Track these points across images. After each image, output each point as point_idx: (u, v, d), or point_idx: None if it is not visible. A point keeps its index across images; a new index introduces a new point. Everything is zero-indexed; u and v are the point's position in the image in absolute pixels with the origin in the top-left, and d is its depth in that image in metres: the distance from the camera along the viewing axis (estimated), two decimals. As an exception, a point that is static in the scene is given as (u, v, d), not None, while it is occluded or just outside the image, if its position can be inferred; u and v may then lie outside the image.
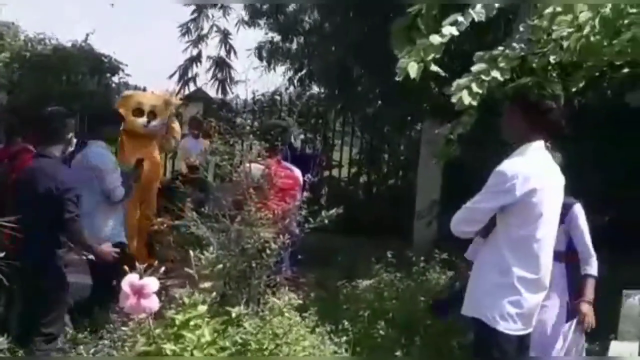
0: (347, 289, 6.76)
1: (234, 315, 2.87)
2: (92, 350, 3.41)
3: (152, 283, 2.64)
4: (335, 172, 12.64)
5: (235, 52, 13.24)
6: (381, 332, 5.55)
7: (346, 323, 5.19)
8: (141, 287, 2.62)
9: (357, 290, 6.71)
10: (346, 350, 4.42)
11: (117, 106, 8.78)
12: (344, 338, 4.65)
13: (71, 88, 11.81)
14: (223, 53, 13.29)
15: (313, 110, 12.94)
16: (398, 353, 5.33)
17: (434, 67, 3.99)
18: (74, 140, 5.27)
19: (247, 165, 4.52)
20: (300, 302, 4.02)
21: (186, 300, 2.80)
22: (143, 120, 8.45)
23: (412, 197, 10.58)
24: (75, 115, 6.99)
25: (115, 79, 13.19)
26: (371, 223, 10.35)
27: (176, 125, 9.07)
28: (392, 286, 6.60)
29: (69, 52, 12.53)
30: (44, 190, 4.82)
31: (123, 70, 13.13)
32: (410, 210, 10.39)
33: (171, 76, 12.51)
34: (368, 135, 12.51)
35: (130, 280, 2.65)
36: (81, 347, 4.43)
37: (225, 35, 12.15)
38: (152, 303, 2.64)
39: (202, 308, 2.80)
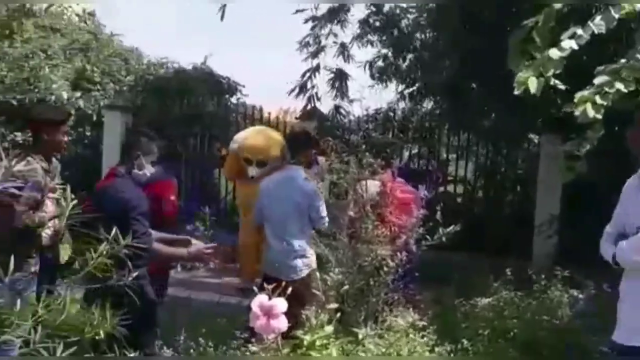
0: (465, 307, 6.66)
1: (360, 336, 2.88)
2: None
3: (280, 304, 2.69)
4: (450, 187, 12.51)
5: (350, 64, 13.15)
6: (502, 351, 5.44)
7: (465, 342, 5.12)
8: (270, 308, 2.67)
9: (476, 308, 6.60)
10: (466, 370, 4.37)
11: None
12: (464, 358, 4.60)
13: (191, 110, 12.19)
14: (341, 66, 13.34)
15: (427, 125, 12.86)
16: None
17: (554, 82, 3.91)
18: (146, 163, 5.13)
19: (364, 182, 4.53)
20: (424, 323, 3.99)
21: (313, 321, 2.84)
22: (252, 171, 8.31)
23: (531, 212, 10.34)
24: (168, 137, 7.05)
25: (234, 99, 13.54)
26: (488, 239, 10.16)
27: None
28: (512, 304, 6.46)
29: (189, 74, 12.97)
30: (110, 209, 4.53)
31: (241, 91, 13.49)
32: (528, 225, 10.16)
33: (291, 93, 12.65)
34: (484, 149, 12.32)
35: (260, 300, 2.71)
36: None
37: (343, 49, 12.17)
38: (281, 323, 2.69)
39: (329, 329, 2.83)
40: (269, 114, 13.75)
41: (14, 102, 10.65)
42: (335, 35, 12.13)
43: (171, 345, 4.64)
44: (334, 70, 12.25)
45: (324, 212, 5.89)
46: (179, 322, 5.33)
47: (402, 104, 13.00)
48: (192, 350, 3.74)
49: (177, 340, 4.60)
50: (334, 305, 2.95)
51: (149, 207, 4.78)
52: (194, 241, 5.06)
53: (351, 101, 12.12)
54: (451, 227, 4.40)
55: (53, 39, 13.14)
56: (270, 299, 2.96)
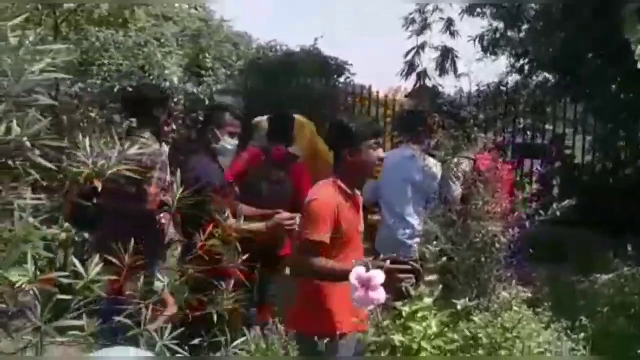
0: (583, 284, 6.47)
1: (459, 307, 2.85)
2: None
3: (379, 275, 2.70)
4: (567, 162, 12.13)
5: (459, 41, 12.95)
6: (622, 329, 5.25)
7: (584, 319, 4.96)
8: (369, 280, 2.69)
9: (595, 285, 6.40)
10: (584, 348, 4.22)
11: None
12: (582, 335, 4.44)
13: (301, 91, 12.29)
14: (447, 43, 13.16)
15: (540, 99, 12.48)
16: (641, 352, 5.00)
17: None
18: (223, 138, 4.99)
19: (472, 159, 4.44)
20: (530, 295, 3.89)
21: (412, 292, 2.83)
22: None
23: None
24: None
25: (342, 79, 13.57)
26: (607, 214, 9.78)
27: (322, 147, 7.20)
28: (633, 281, 6.23)
29: (298, 56, 13.08)
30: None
31: (349, 71, 13.50)
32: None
33: (402, 74, 12.57)
34: (601, 123, 11.85)
35: (358, 273, 2.73)
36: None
37: (450, 24, 11.99)
38: (380, 295, 2.70)
39: (428, 300, 2.82)
40: (377, 93, 13.72)
41: (130, 89, 11.02)
42: (442, 10, 11.95)
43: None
44: (440, 47, 12.09)
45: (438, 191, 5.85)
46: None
47: (513, 77, 12.68)
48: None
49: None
50: (433, 277, 2.92)
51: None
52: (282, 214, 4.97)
53: (459, 76, 11.92)
54: (566, 202, 4.24)
55: (166, 27, 13.52)
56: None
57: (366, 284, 2.70)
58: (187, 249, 4.54)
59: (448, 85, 12.40)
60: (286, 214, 4.94)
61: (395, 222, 5.90)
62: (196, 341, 2.93)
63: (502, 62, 12.57)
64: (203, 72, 12.88)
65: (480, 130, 5.03)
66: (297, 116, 7.18)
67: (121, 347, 2.28)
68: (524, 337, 3.83)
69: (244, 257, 2.85)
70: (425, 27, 12.00)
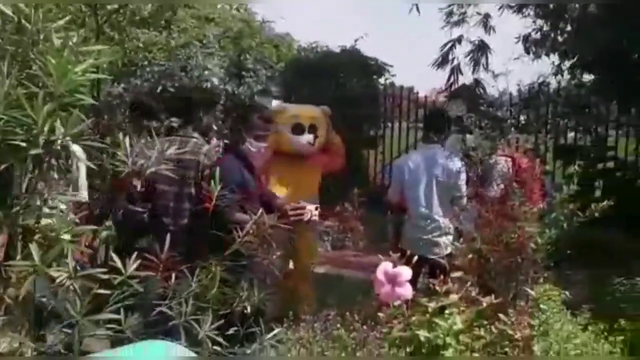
0: (625, 286, 6.39)
1: (484, 304, 2.86)
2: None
3: (405, 271, 2.74)
4: (611, 164, 11.93)
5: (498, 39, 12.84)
6: (663, 331, 5.17)
7: (622, 322, 4.91)
8: (395, 276, 2.73)
9: (637, 287, 6.32)
10: (622, 350, 4.18)
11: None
12: (620, 337, 4.40)
13: (341, 92, 12.32)
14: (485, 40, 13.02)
15: (584, 100, 12.31)
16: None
17: None
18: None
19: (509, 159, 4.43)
20: (557, 293, 3.87)
21: (438, 288, 2.86)
22: (308, 137, 6.86)
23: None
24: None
25: (382, 80, 13.57)
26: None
27: (337, 139, 7.33)
28: (674, 283, 6.14)
29: (338, 57, 13.12)
30: None
31: (389, 72, 13.50)
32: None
33: (434, 65, 12.47)
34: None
35: (384, 268, 2.77)
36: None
37: (486, 20, 11.88)
38: (406, 291, 2.74)
39: (454, 297, 2.84)
40: (417, 93, 13.69)
41: (172, 89, 11.15)
42: (476, 5, 11.81)
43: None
44: (477, 41, 11.98)
45: (465, 190, 5.89)
46: (332, 298, 5.45)
47: (555, 78, 12.51)
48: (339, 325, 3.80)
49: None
50: (457, 274, 2.93)
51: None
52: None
53: (497, 76, 11.81)
54: (604, 203, 4.21)
55: (208, 28, 13.66)
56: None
57: (392, 280, 2.74)
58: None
59: (489, 85, 12.19)
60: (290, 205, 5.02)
61: (422, 221, 5.94)
62: (231, 331, 2.99)
63: (545, 62, 12.41)
64: (244, 73, 12.99)
65: (519, 131, 4.99)
66: (315, 108, 7.27)
67: (156, 341, 2.34)
68: (560, 338, 3.82)
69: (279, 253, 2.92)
70: (462, 20, 11.86)
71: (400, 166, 6.36)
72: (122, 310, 2.36)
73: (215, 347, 2.78)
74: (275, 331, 2.98)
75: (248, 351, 3.01)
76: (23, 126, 2.33)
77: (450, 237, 5.74)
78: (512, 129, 4.82)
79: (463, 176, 5.98)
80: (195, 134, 5.23)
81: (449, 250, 5.68)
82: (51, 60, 2.41)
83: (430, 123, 6.62)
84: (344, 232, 9.84)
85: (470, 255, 3.37)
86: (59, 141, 2.31)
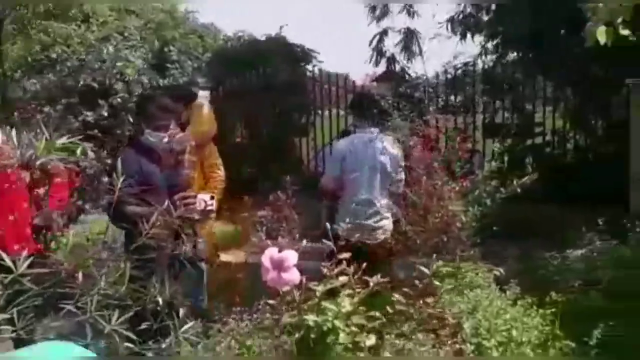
0: (556, 259, 6.44)
1: (371, 284, 2.78)
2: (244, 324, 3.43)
3: (291, 256, 2.66)
4: (539, 139, 12.04)
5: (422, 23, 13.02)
6: (593, 301, 5.21)
7: (554, 294, 4.90)
8: (280, 261, 2.64)
9: (567, 260, 6.37)
10: (552, 323, 4.16)
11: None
12: (551, 310, 4.38)
13: (267, 80, 12.17)
14: (410, 26, 13.16)
15: (508, 78, 12.42)
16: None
17: (624, 31, 3.65)
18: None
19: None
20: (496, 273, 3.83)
21: (327, 271, 2.78)
22: None
23: (625, 160, 9.82)
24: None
25: (310, 67, 13.44)
26: (581, 191, 9.73)
27: None
28: (605, 255, 6.21)
29: (264, 45, 12.93)
30: None
31: (316, 58, 13.36)
32: (622, 175, 9.65)
33: (370, 61, 12.56)
34: (572, 99, 11.81)
35: (269, 254, 2.69)
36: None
37: (410, 8, 11.97)
38: (293, 276, 2.65)
39: (343, 279, 2.77)
40: (354, 82, 13.66)
41: (95, 85, 10.85)
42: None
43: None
44: (403, 30, 12.10)
45: (403, 175, 5.83)
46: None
47: (481, 58, 12.62)
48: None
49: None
50: (345, 255, 2.84)
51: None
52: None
53: (421, 57, 11.93)
54: (526, 178, 4.19)
55: (128, 21, 13.34)
56: (350, 263, 2.89)
57: (278, 265, 2.65)
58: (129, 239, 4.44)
59: (416, 69, 12.27)
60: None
61: (361, 206, 5.82)
62: (144, 326, 2.85)
63: (469, 44, 12.53)
64: (168, 65, 12.72)
65: (445, 111, 4.94)
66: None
67: (54, 342, 2.20)
68: (490, 314, 3.78)
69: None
70: (385, 12, 11.98)
71: (338, 151, 6.19)
72: (15, 311, 2.21)
73: (127, 344, 2.65)
74: (189, 324, 2.85)
75: (163, 345, 2.87)
76: None
77: (388, 222, 5.68)
78: (432, 109, 4.74)
79: (402, 161, 5.90)
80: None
81: (387, 234, 5.61)
82: None
83: (358, 107, 6.52)
84: (279, 221, 9.71)
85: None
86: None
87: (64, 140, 2.50)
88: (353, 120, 6.33)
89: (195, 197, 4.74)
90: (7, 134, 2.41)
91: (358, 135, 6.16)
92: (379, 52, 12.72)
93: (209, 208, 4.83)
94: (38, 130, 2.50)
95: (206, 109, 6.75)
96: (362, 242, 5.31)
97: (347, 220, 5.88)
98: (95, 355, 2.27)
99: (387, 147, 5.91)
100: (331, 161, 6.32)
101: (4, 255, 2.26)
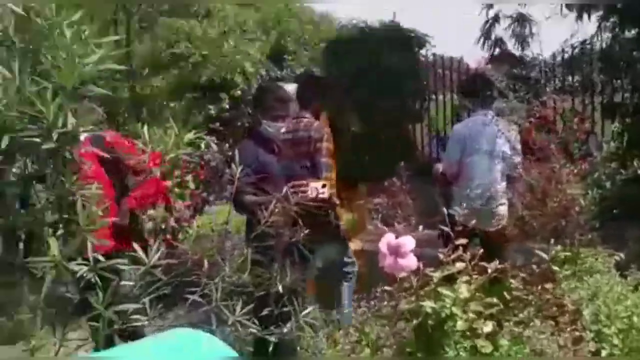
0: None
1: (489, 271, 2.76)
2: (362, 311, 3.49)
3: (408, 242, 2.67)
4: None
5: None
6: None
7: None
8: (398, 247, 2.66)
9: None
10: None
11: None
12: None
13: (381, 66, 12.16)
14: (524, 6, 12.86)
15: (626, 56, 11.89)
16: None
17: None
18: None
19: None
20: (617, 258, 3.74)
21: (443, 257, 2.79)
22: None
23: None
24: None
25: (423, 52, 13.35)
26: None
27: None
28: None
29: (378, 32, 12.92)
30: None
31: (429, 43, 13.25)
32: None
33: (483, 44, 12.37)
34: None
35: (387, 240, 2.71)
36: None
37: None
38: (410, 262, 2.67)
39: (460, 265, 2.76)
40: (468, 65, 13.48)
41: (216, 79, 11.18)
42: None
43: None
44: (515, 14, 11.87)
45: (519, 158, 5.75)
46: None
47: (598, 37, 12.16)
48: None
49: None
50: (462, 241, 2.84)
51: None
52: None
53: (535, 40, 11.63)
54: (645, 158, 4.06)
55: (247, 14, 13.62)
56: (466, 249, 2.91)
57: (395, 251, 2.67)
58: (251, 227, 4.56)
59: (533, 49, 11.97)
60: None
61: (480, 191, 5.76)
62: (266, 312, 2.98)
63: (586, 22, 12.10)
64: (286, 57, 12.93)
65: (562, 92, 4.83)
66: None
67: (182, 329, 2.32)
68: (611, 300, 3.70)
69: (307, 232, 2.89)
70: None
71: (457, 135, 6.14)
72: (147, 301, 2.36)
73: (250, 329, 2.77)
74: (309, 309, 2.95)
75: (285, 330, 2.98)
76: (36, 121, 2.33)
77: (504, 208, 5.63)
78: (548, 90, 4.64)
79: (519, 145, 5.81)
80: None
81: (504, 220, 5.56)
82: (61, 55, 2.40)
83: (475, 90, 6.45)
84: (394, 207, 9.72)
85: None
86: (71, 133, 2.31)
87: (191, 135, 2.65)
88: (466, 103, 6.27)
89: (307, 185, 4.84)
90: (139, 130, 2.57)
91: (473, 119, 6.11)
92: (489, 35, 12.51)
93: (320, 196, 4.90)
94: (167, 125, 2.66)
95: None
96: (479, 229, 5.29)
97: (464, 205, 5.85)
98: (222, 342, 2.38)
99: (502, 130, 5.84)
100: (451, 145, 6.22)
101: (138, 248, 2.41)
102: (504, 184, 5.74)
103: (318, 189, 4.88)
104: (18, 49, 2.46)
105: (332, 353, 3.74)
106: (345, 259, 5.75)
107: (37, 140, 2.33)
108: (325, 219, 5.29)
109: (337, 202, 5.42)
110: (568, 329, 3.43)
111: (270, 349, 3.10)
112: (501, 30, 12.14)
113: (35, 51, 2.50)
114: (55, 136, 2.32)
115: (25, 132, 2.33)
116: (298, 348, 4.04)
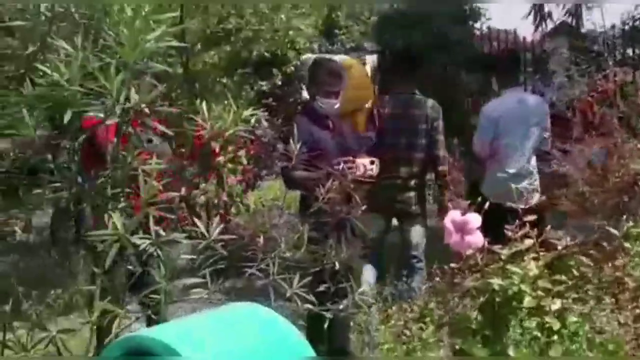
0: None
1: (559, 247, 2.71)
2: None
3: (474, 219, 2.63)
4: None
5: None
6: None
7: None
8: (464, 223, 2.63)
9: None
10: None
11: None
12: None
13: (435, 40, 12.00)
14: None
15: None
16: None
17: None
18: None
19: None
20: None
21: (511, 234, 2.74)
22: None
23: None
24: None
25: (477, 25, 13.15)
26: None
27: None
28: None
29: (431, 5, 12.74)
30: None
31: (484, 15, 13.05)
32: None
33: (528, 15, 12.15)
34: None
35: (452, 217, 2.68)
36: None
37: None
38: (477, 238, 2.64)
39: (529, 242, 2.72)
40: (524, 38, 13.24)
41: (268, 54, 11.19)
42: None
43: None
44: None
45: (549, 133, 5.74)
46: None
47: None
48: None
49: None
50: (531, 217, 2.79)
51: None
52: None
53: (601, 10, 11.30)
54: None
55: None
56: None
57: (461, 228, 2.64)
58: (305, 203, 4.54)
59: (594, 20, 11.70)
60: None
61: (516, 169, 5.68)
62: (322, 288, 2.97)
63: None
64: (337, 31, 12.86)
65: (621, 64, 4.71)
66: (343, 57, 6.88)
67: (243, 303, 2.33)
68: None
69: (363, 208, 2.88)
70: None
71: (490, 114, 6.04)
72: (207, 275, 2.37)
73: (307, 305, 2.77)
74: (363, 287, 2.94)
75: (341, 307, 2.98)
76: (99, 97, 2.36)
77: (537, 184, 5.57)
78: (610, 63, 4.52)
79: (548, 121, 5.77)
80: None
81: (536, 197, 5.48)
82: (123, 31, 2.41)
83: (497, 65, 6.39)
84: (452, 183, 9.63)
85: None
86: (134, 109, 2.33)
87: (249, 112, 2.64)
88: (501, 79, 6.15)
89: (354, 162, 4.75)
90: (197, 106, 2.57)
91: (503, 98, 6.00)
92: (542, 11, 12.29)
93: (369, 173, 4.84)
94: (225, 102, 2.66)
95: (361, 73, 6.76)
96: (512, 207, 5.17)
97: (498, 183, 5.76)
98: (280, 316, 2.39)
99: (539, 106, 5.79)
100: (483, 125, 6.06)
101: (199, 222, 2.42)
102: (534, 161, 5.68)
103: (366, 165, 4.80)
104: (80, 24, 2.48)
105: (385, 329, 3.76)
106: (414, 253, 5.76)
107: (101, 115, 2.36)
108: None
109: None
110: (629, 307, 3.38)
111: (326, 325, 3.11)
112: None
113: (98, 27, 2.52)
114: (118, 111, 2.35)
115: (88, 108, 2.36)
116: (351, 324, 4.07)
